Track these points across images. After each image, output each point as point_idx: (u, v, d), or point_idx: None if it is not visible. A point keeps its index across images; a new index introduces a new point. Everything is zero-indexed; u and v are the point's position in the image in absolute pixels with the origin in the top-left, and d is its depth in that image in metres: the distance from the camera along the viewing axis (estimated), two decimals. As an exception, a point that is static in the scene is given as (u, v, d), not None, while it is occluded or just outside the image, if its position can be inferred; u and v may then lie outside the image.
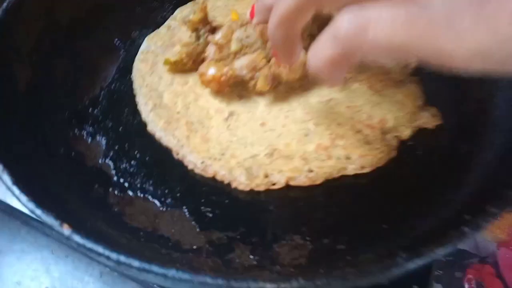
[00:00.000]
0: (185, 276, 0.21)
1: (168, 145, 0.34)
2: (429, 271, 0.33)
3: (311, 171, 0.32)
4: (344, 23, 0.22)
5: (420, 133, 0.33)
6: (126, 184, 0.32)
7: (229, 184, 0.32)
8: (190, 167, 0.33)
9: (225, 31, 0.35)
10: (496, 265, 0.39)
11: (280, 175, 0.32)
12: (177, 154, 0.34)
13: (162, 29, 0.41)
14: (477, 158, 0.31)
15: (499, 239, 0.40)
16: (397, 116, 0.34)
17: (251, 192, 0.32)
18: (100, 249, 0.22)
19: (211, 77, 0.34)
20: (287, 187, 0.32)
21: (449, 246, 0.23)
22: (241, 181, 0.32)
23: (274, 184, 0.32)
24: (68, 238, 0.23)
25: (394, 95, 0.35)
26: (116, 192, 0.32)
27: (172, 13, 0.43)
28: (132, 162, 0.33)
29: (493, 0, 0.18)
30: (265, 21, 0.31)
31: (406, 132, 0.33)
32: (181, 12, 0.42)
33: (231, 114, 0.35)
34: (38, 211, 0.24)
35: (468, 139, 0.32)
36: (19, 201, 0.25)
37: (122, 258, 0.22)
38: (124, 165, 0.33)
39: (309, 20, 0.28)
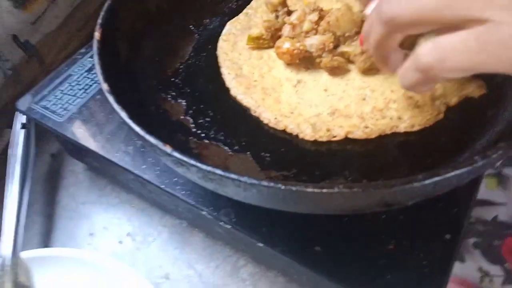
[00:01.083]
0: (253, 181, 0.25)
1: (247, 105, 0.40)
2: (462, 223, 0.34)
3: (367, 127, 0.36)
4: (424, 56, 0.25)
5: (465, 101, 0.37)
6: (203, 135, 0.38)
7: (296, 136, 0.37)
8: (265, 122, 0.38)
9: (299, 13, 0.41)
10: None
11: (340, 129, 0.36)
12: (254, 112, 0.39)
13: (241, 15, 0.48)
14: (501, 118, 0.35)
15: None
16: (445, 85, 0.37)
17: (314, 142, 0.37)
18: (192, 161, 0.27)
19: (286, 49, 0.39)
20: (346, 140, 0.36)
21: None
22: (307, 133, 0.37)
23: (334, 137, 0.36)
24: (169, 155, 0.28)
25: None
26: (195, 139, 0.38)
27: (237, 5, 0.50)
28: (207, 118, 0.39)
29: None
30: None
31: (454, 100, 0.37)
32: (256, 2, 0.49)
33: (299, 81, 0.40)
34: (148, 136, 0.29)
35: (494, 105, 0.36)
36: (134, 132, 0.30)
37: (206, 167, 0.27)
38: (200, 121, 0.39)
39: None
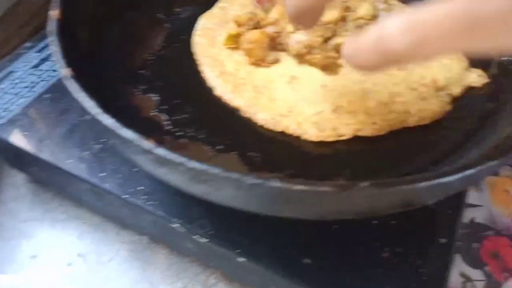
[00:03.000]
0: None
1: (238, 105, 0.34)
2: (456, 224, 0.32)
3: (375, 123, 0.32)
4: (395, 37, 0.17)
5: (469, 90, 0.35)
6: (180, 133, 0.32)
7: (297, 137, 0.31)
8: (260, 123, 0.32)
9: (279, 8, 0.36)
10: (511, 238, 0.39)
11: (347, 128, 0.31)
12: (246, 113, 0.33)
13: (215, 9, 0.42)
14: (503, 109, 0.32)
15: None
16: (447, 76, 0.34)
17: (318, 143, 0.31)
18: (181, 159, 0.22)
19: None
20: (353, 139, 0.31)
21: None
22: (312, 134, 0.31)
23: (342, 136, 0.31)
24: (151, 152, 0.23)
25: (441, 59, 0.35)
26: (171, 138, 0.32)
27: None
28: (185, 115, 0.34)
29: None
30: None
31: (457, 90, 0.34)
32: None
33: (292, 78, 0.35)
34: (125, 131, 0.24)
35: (496, 98, 0.34)
36: (104, 127, 0.24)
37: (200, 166, 0.22)
38: (177, 117, 0.34)
39: None
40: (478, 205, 0.41)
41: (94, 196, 0.35)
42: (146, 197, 0.32)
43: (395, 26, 0.17)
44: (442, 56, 0.19)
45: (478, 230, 0.39)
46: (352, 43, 0.21)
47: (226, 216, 0.27)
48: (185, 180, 0.23)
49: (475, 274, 0.36)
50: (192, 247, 0.33)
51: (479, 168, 0.21)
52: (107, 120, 0.24)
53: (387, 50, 0.18)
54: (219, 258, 0.34)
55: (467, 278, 0.36)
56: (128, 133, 0.23)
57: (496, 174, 0.44)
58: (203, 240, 0.31)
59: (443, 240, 0.31)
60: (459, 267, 0.37)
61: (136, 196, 0.33)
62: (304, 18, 0.26)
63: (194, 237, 0.31)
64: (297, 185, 0.20)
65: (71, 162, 0.34)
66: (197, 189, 0.24)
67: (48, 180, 0.41)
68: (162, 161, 0.22)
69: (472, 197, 0.42)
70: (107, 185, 0.33)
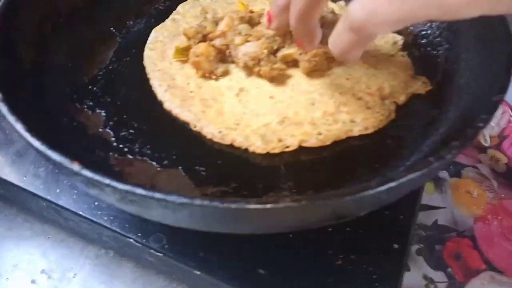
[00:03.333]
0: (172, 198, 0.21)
1: (186, 119, 0.33)
2: (408, 231, 0.32)
3: (320, 134, 0.31)
4: (356, 13, 0.24)
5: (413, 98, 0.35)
6: (125, 149, 0.32)
7: (245, 150, 0.31)
8: (208, 136, 0.32)
9: (227, 20, 0.36)
10: (473, 238, 0.39)
11: (292, 139, 0.31)
12: (195, 126, 0.33)
13: (168, 21, 0.41)
14: (445, 117, 0.33)
15: (475, 214, 0.40)
16: (392, 84, 0.34)
17: (265, 155, 0.31)
18: (107, 180, 0.21)
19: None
20: (299, 150, 0.31)
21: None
22: (258, 146, 0.31)
23: (287, 147, 0.31)
24: (78, 174, 0.22)
25: (387, 67, 0.36)
26: (116, 155, 0.32)
27: (165, 6, 0.44)
28: (131, 130, 0.33)
29: None
30: (283, 24, 0.33)
31: (401, 98, 0.34)
32: (183, 7, 0.42)
33: (241, 90, 0.35)
34: (51, 152, 0.23)
35: (438, 105, 0.34)
36: (33, 148, 0.23)
37: (129, 188, 0.21)
38: (123, 133, 0.33)
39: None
40: (441, 207, 0.41)
41: (54, 212, 0.35)
42: (100, 212, 0.32)
43: (355, 5, 0.24)
44: (397, 24, 0.23)
45: (441, 232, 0.39)
46: (332, 33, 0.27)
47: (181, 229, 0.26)
48: (115, 201, 0.23)
49: (438, 276, 0.36)
50: (153, 260, 0.33)
51: (402, 180, 0.21)
52: (35, 143, 0.23)
53: (353, 25, 0.24)
54: (177, 271, 0.33)
55: (429, 280, 0.36)
56: (55, 156, 0.22)
57: (458, 175, 0.44)
58: (159, 254, 0.30)
59: (396, 246, 0.31)
60: (421, 270, 0.36)
61: (92, 212, 0.32)
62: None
63: (150, 251, 0.31)
64: (214, 202, 0.20)
65: (27, 179, 0.34)
66: (131, 209, 0.24)
67: (9, 197, 0.40)
68: (89, 183, 0.22)
69: (435, 199, 0.42)
70: (62, 201, 0.33)
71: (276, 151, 0.31)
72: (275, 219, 0.22)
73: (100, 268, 0.37)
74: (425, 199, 0.42)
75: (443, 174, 0.44)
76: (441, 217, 0.40)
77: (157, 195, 0.20)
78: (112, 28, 0.41)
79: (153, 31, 0.40)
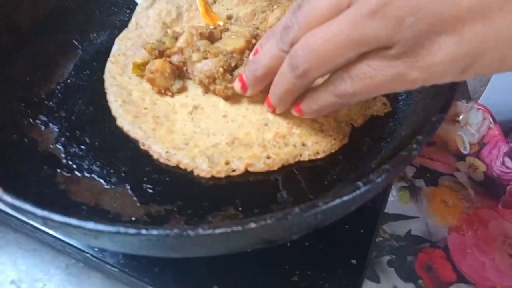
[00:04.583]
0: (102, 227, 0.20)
1: (135, 137, 0.32)
2: (368, 246, 0.32)
3: (268, 157, 0.30)
4: (346, 86, 0.24)
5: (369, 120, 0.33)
6: (74, 166, 0.31)
7: (191, 171, 0.30)
8: (155, 156, 0.31)
9: (186, 36, 0.34)
10: (446, 249, 0.38)
11: (239, 162, 0.30)
12: (143, 145, 0.32)
13: (130, 26, 0.40)
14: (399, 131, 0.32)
15: (450, 224, 0.39)
16: (350, 107, 0.33)
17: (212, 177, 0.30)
18: (27, 206, 0.21)
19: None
20: (247, 173, 0.30)
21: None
22: (203, 169, 0.30)
23: (234, 171, 0.30)
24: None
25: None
26: (64, 172, 0.31)
27: (129, 17, 0.41)
28: (82, 146, 0.32)
29: None
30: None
31: (359, 120, 0.32)
32: (141, 13, 0.41)
33: (195, 107, 0.33)
34: None
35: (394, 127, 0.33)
36: None
37: (46, 214, 0.20)
38: (73, 149, 0.32)
39: None
40: (415, 217, 0.40)
41: (20, 224, 0.34)
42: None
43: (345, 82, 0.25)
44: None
45: (414, 243, 0.38)
46: (312, 94, 0.28)
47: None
48: (40, 225, 0.23)
49: None
50: (115, 274, 0.32)
51: (328, 205, 0.21)
52: None
53: (340, 92, 0.25)
54: (135, 286, 0.32)
55: (398, 292, 0.35)
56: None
57: (435, 184, 0.42)
58: (115, 269, 0.30)
59: (353, 261, 0.30)
60: (392, 281, 0.36)
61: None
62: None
63: (107, 266, 0.30)
64: (130, 229, 0.20)
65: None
66: (57, 233, 0.23)
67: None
68: (13, 208, 0.21)
69: (410, 208, 0.41)
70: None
71: (222, 175, 0.29)
72: (197, 245, 0.22)
73: (69, 278, 0.37)
74: (400, 208, 0.41)
75: (420, 182, 0.43)
76: (415, 227, 0.39)
77: (73, 221, 0.20)
78: (74, 40, 0.39)
79: (116, 41, 0.39)
